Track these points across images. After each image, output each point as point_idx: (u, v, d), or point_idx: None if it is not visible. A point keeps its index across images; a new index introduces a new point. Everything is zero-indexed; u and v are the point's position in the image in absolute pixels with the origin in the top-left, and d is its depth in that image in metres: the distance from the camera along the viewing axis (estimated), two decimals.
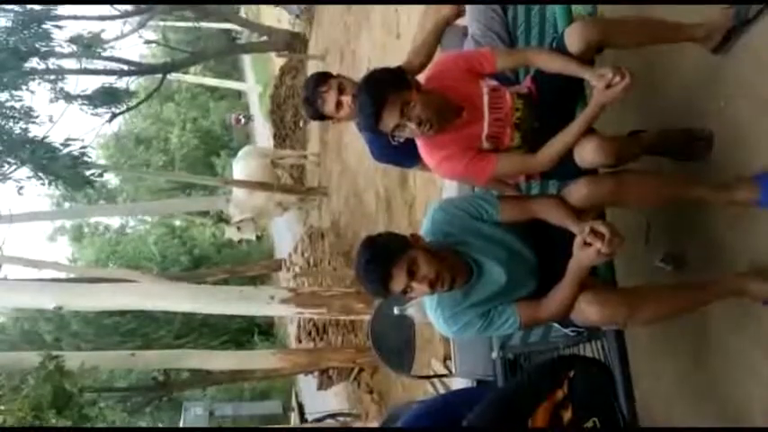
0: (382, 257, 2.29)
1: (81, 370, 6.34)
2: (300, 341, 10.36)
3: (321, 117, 3.07)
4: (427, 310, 2.58)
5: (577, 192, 2.43)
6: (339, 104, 2.95)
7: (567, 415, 2.32)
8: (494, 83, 2.61)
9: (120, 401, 8.05)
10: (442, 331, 2.61)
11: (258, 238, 15.93)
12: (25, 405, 6.04)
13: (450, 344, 4.70)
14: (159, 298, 7.27)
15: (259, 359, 8.80)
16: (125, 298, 7.16)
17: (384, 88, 2.42)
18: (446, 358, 5.63)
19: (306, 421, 10.09)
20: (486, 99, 2.57)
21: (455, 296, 2.45)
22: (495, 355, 3.20)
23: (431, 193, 6.23)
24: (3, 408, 6.33)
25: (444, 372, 5.44)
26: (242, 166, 12.75)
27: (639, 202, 2.59)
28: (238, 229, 12.95)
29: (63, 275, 11.61)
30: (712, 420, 2.65)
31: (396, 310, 4.12)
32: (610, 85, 2.28)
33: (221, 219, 13.90)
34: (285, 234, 16.66)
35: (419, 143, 2.65)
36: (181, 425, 16.30)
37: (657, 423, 2.86)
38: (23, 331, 19.72)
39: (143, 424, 12.26)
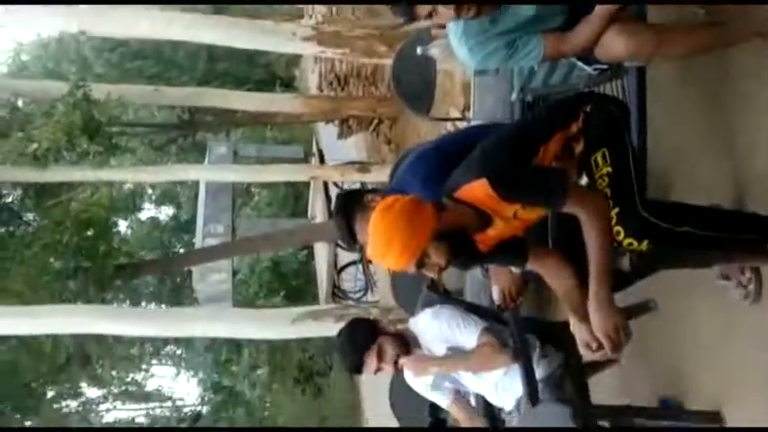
0: None
1: (107, 100, 6.47)
2: (322, 91, 10.40)
3: None
4: (452, 40, 2.55)
5: None
6: None
7: (579, 147, 2.40)
8: None
9: (145, 138, 8.33)
10: (465, 62, 2.60)
11: None
12: (58, 129, 6.26)
13: (469, 94, 4.73)
14: (183, 27, 7.08)
15: (281, 102, 8.88)
16: (148, 25, 7.01)
17: None
18: (465, 109, 5.70)
19: (324, 163, 10.45)
20: None
21: (482, 24, 2.41)
22: (514, 96, 3.23)
23: None
24: (36, 132, 6.58)
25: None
26: None
27: None
28: None
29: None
30: (722, 155, 2.72)
31: (419, 51, 4.11)
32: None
33: None
34: None
35: None
36: (206, 163, 16.98)
37: (667, 156, 2.96)
38: (47, 70, 19.82)
39: (169, 162, 12.82)
